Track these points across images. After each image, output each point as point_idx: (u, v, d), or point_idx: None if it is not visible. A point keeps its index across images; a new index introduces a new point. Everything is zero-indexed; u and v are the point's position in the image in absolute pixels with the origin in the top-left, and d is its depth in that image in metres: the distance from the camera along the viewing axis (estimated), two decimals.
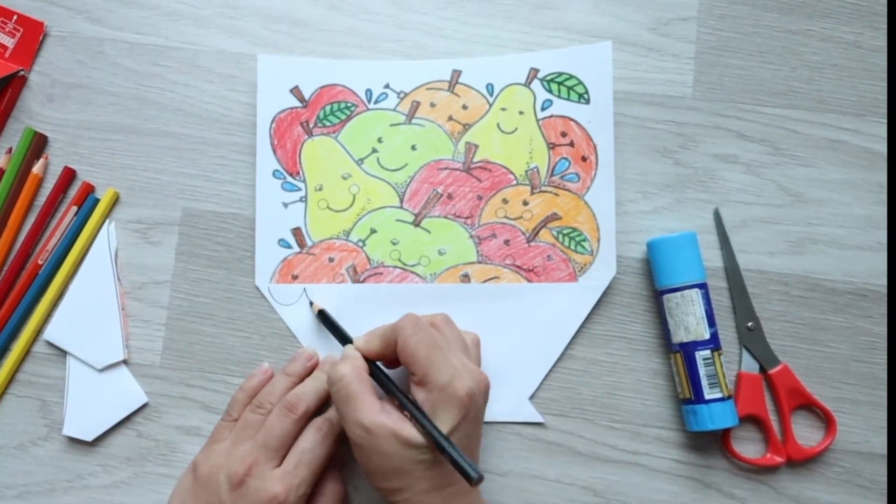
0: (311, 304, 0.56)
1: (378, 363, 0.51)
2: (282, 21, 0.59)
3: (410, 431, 0.46)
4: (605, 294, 0.57)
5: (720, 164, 0.58)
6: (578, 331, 0.57)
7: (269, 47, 0.59)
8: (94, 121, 0.59)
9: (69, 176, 0.58)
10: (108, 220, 0.58)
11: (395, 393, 0.49)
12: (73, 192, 0.58)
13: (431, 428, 0.46)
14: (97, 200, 0.58)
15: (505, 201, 0.57)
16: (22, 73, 0.59)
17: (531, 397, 0.56)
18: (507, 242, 0.57)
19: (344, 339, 0.54)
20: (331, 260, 0.57)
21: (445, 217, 0.57)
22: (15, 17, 0.59)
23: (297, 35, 0.59)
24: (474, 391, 0.47)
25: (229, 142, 0.58)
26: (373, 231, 0.57)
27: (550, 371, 0.56)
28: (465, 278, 0.57)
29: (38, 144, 0.58)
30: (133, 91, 0.59)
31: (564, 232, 0.57)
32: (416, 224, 0.57)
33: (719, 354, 0.53)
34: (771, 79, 0.59)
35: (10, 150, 0.58)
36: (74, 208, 0.58)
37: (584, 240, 0.57)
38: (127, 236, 0.58)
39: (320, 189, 0.58)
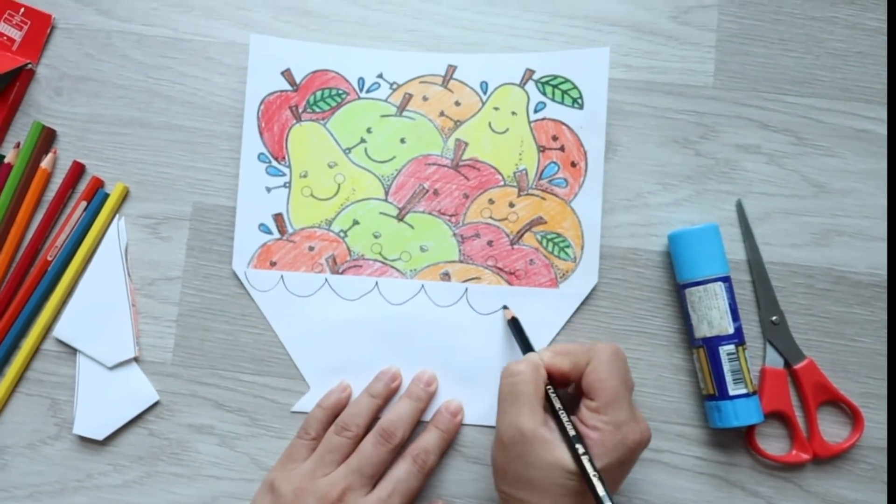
0: (505, 307, 0.55)
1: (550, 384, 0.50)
2: (292, 11, 0.58)
3: (565, 454, 0.45)
4: (624, 289, 0.56)
5: (742, 155, 0.57)
6: (598, 326, 0.56)
7: (279, 36, 0.58)
8: (103, 114, 0.58)
9: (78, 171, 0.57)
10: (117, 216, 0.57)
11: (564, 414, 0.47)
12: (83, 186, 0.57)
13: (588, 461, 0.45)
14: (106, 195, 0.57)
15: (491, 201, 0.56)
16: (30, 66, 0.58)
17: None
18: (490, 243, 0.56)
19: (529, 348, 0.52)
20: (311, 249, 0.56)
21: (430, 213, 0.56)
22: (22, 10, 0.58)
23: (308, 25, 0.58)
24: (640, 444, 0.47)
25: (240, 135, 0.57)
26: (355, 222, 0.56)
27: None
28: (446, 276, 0.56)
29: (46, 139, 0.58)
30: (142, 84, 0.58)
31: (549, 237, 0.56)
32: (400, 218, 0.56)
33: (744, 349, 0.52)
34: (794, 67, 0.57)
35: (18, 145, 0.57)
36: (84, 203, 0.57)
37: (567, 246, 0.56)
38: (137, 231, 0.57)
39: (305, 176, 0.57)
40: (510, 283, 0.56)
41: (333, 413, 0.54)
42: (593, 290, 0.56)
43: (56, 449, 0.56)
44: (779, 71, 0.57)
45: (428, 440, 0.52)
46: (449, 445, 0.54)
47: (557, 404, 0.48)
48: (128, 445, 0.56)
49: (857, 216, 0.56)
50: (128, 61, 0.58)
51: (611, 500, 0.43)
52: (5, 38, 0.58)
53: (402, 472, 0.51)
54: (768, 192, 0.56)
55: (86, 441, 0.56)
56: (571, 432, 0.46)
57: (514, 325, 0.54)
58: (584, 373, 0.48)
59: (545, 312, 0.55)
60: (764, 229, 0.56)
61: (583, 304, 0.56)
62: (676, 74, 0.57)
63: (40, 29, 0.58)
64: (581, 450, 0.45)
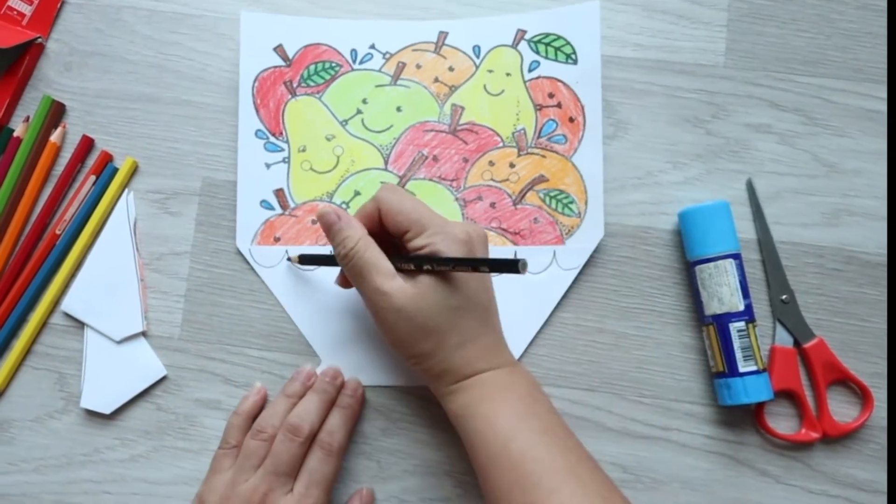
0: (289, 258, 0.55)
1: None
2: None
3: (427, 282, 0.46)
4: (634, 267, 0.56)
5: (753, 134, 0.56)
6: (606, 304, 0.55)
7: (291, 14, 0.58)
8: (113, 89, 0.58)
9: (87, 145, 0.57)
10: (126, 190, 0.57)
11: (402, 257, 0.47)
12: (92, 161, 0.57)
13: (448, 260, 0.45)
14: (116, 170, 0.57)
15: (491, 164, 0.56)
16: (39, 40, 0.58)
17: (520, 358, 0.55)
18: (493, 205, 0.56)
19: (334, 260, 0.52)
20: (314, 222, 0.56)
21: (430, 180, 0.56)
22: None
23: (318, 2, 0.58)
24: (471, 234, 0.47)
25: None
26: (357, 193, 0.56)
27: (580, 345, 0.55)
28: None
29: (55, 113, 0.57)
30: (152, 59, 0.58)
31: (551, 194, 0.56)
32: (401, 187, 0.56)
33: (754, 327, 0.52)
34: (805, 47, 0.57)
35: (27, 119, 0.57)
36: (93, 178, 0.57)
37: (571, 202, 0.56)
38: (146, 206, 0.57)
39: (304, 150, 0.56)
40: (515, 244, 0.56)
41: (251, 418, 0.53)
42: (602, 267, 0.56)
43: (63, 423, 0.56)
44: (790, 51, 0.57)
45: (331, 423, 0.52)
46: (355, 421, 0.54)
47: (395, 259, 0.48)
48: (135, 420, 0.56)
49: (868, 196, 0.56)
50: (137, 36, 0.58)
51: (493, 258, 0.43)
52: (15, 12, 0.58)
53: (314, 462, 0.50)
54: (779, 171, 0.56)
55: (93, 415, 0.56)
56: (409, 258, 0.46)
57: (309, 259, 0.54)
58: (381, 220, 0.48)
59: (553, 269, 0.55)
60: (774, 209, 0.56)
61: (592, 281, 0.56)
62: (687, 53, 0.57)
63: (50, 3, 0.58)
64: (429, 259, 0.45)
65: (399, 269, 0.47)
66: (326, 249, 0.56)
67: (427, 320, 0.46)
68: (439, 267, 0.46)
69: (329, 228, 0.49)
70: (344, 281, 0.53)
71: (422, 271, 0.46)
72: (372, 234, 0.49)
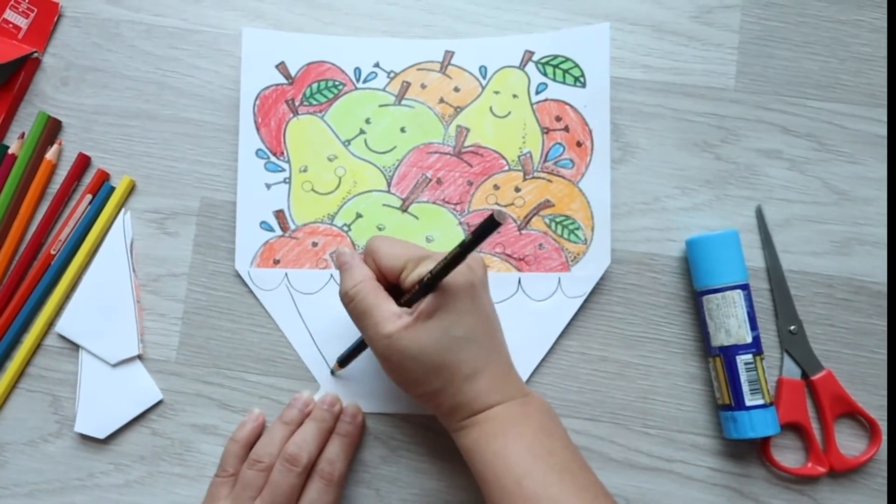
0: (333, 372, 0.55)
1: None
2: (306, 3, 0.57)
3: (430, 322, 0.45)
4: (639, 294, 0.55)
5: (763, 160, 0.55)
6: (611, 332, 0.54)
7: (292, 31, 0.56)
8: (110, 106, 0.57)
9: (84, 163, 0.56)
10: (123, 210, 0.56)
11: (407, 291, 0.46)
12: (88, 179, 0.56)
13: (437, 269, 0.44)
14: (112, 189, 0.56)
15: (496, 187, 0.55)
16: (35, 54, 0.57)
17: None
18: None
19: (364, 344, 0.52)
20: (314, 245, 0.55)
21: (434, 203, 0.55)
22: None
23: (322, 18, 0.57)
24: (472, 270, 0.46)
25: None
26: (358, 216, 0.55)
27: (584, 374, 0.54)
28: None
29: (51, 129, 0.56)
30: (151, 75, 0.57)
31: (557, 220, 0.55)
32: (404, 209, 0.55)
33: (761, 359, 0.51)
34: (818, 71, 0.56)
35: (22, 136, 0.56)
36: (89, 196, 0.56)
37: (577, 228, 0.55)
38: (143, 226, 0.56)
39: (305, 170, 0.55)
40: (520, 270, 0.55)
41: (248, 445, 0.52)
42: (608, 294, 0.55)
43: (57, 447, 0.55)
44: (802, 74, 0.56)
45: (330, 451, 0.51)
46: (355, 448, 0.53)
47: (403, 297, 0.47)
48: (130, 444, 0.55)
49: (879, 225, 0.55)
50: (136, 52, 0.57)
51: (473, 231, 0.41)
52: (11, 25, 0.57)
53: (313, 492, 0.50)
54: (789, 198, 0.55)
55: (87, 439, 0.55)
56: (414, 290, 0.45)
57: (345, 360, 0.53)
58: (377, 269, 0.48)
59: (558, 297, 0.54)
60: (784, 236, 0.55)
61: (597, 308, 0.55)
62: (697, 76, 0.56)
63: (47, 17, 0.57)
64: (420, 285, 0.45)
65: (400, 306, 0.46)
66: (326, 274, 0.55)
67: (433, 357, 0.45)
68: (432, 281, 0.44)
69: (340, 268, 0.48)
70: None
71: (421, 297, 0.45)
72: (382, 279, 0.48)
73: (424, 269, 0.46)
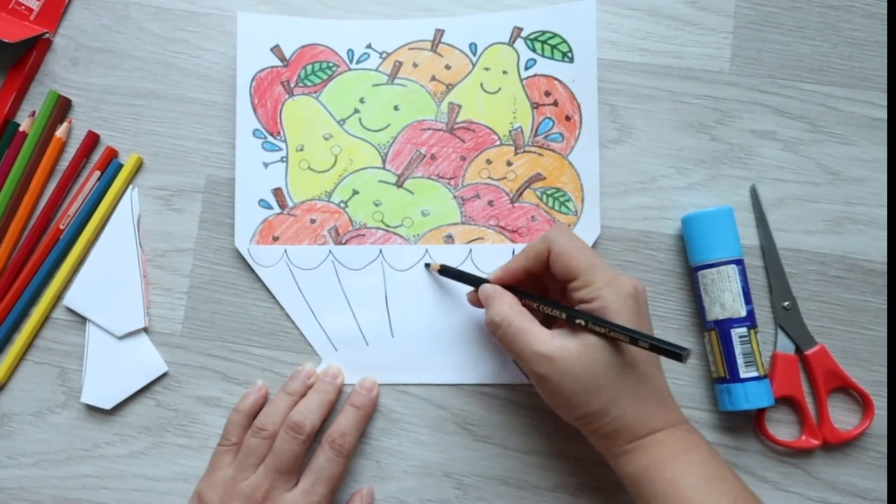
0: (428, 265, 0.55)
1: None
2: None
3: (591, 342, 0.45)
4: (636, 271, 0.56)
5: (757, 141, 0.56)
6: None
7: (297, 14, 0.58)
8: (119, 85, 0.58)
9: (92, 140, 0.57)
10: (130, 186, 0.57)
11: (559, 307, 0.47)
12: (97, 156, 0.57)
13: (612, 325, 0.44)
14: (120, 166, 0.57)
15: (489, 162, 0.56)
16: (47, 35, 0.58)
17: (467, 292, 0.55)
18: (490, 203, 0.56)
19: (478, 281, 0.52)
20: (312, 221, 0.56)
21: (429, 178, 0.56)
22: None
23: (326, 2, 0.58)
24: (638, 287, 0.47)
25: None
26: (355, 192, 0.56)
27: None
28: (449, 239, 0.56)
29: (61, 108, 0.58)
30: (159, 56, 0.58)
31: (548, 192, 0.56)
32: (399, 185, 0.56)
33: (755, 332, 0.52)
34: (811, 55, 0.57)
35: (33, 114, 0.57)
36: (97, 173, 0.57)
37: (567, 200, 0.56)
38: (150, 203, 0.57)
39: (301, 149, 0.57)
40: (513, 241, 0.56)
41: (251, 415, 0.53)
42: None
43: (63, 417, 0.56)
44: (795, 58, 0.57)
45: (343, 422, 0.52)
46: (367, 422, 0.54)
47: (548, 308, 0.47)
48: (135, 416, 0.56)
49: (871, 204, 0.56)
50: (144, 33, 0.59)
51: (660, 339, 0.43)
52: (23, 7, 0.59)
53: (322, 460, 0.50)
54: (783, 178, 0.56)
55: (93, 410, 0.56)
56: (573, 312, 0.46)
57: (449, 272, 0.54)
58: (549, 261, 0.48)
59: None
60: (778, 215, 0.56)
61: None
62: (693, 59, 0.57)
63: None
64: (592, 317, 0.45)
65: (547, 318, 0.47)
66: (324, 250, 0.56)
67: (595, 378, 0.44)
68: (598, 327, 0.45)
69: (485, 302, 0.49)
70: (475, 300, 0.52)
71: (581, 328, 0.45)
72: (535, 274, 0.49)
73: (595, 295, 0.46)
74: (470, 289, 0.53)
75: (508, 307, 0.47)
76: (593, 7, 0.56)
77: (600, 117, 0.57)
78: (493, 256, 0.55)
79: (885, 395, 0.54)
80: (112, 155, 0.57)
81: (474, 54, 0.57)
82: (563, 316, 0.47)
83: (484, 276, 0.53)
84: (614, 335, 0.44)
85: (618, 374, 0.45)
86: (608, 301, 0.45)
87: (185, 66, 0.58)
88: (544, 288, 0.52)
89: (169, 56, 0.58)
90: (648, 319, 0.47)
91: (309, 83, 0.57)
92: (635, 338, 0.44)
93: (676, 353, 0.42)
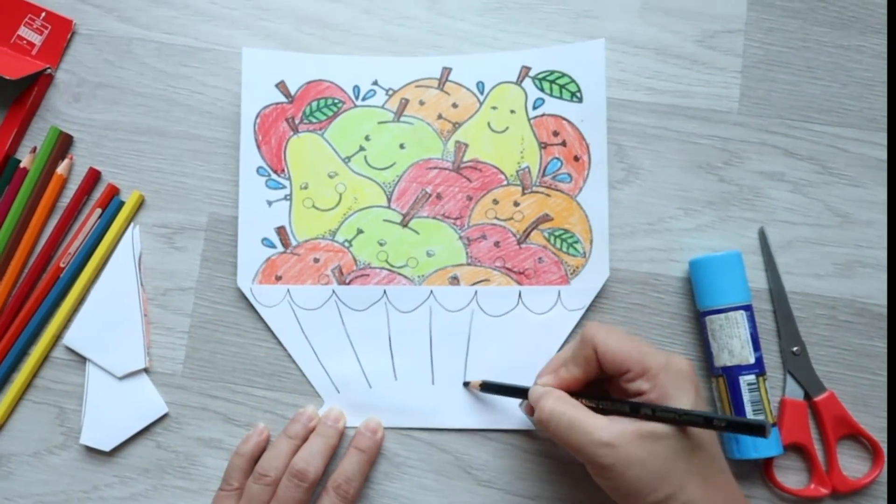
0: (467, 384, 0.54)
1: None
2: (315, 23, 0.58)
3: (654, 425, 0.44)
4: (643, 314, 0.55)
5: (766, 182, 0.56)
6: None
7: (301, 50, 0.57)
8: (121, 121, 0.58)
9: (94, 177, 0.57)
10: (132, 224, 0.57)
11: (621, 402, 0.46)
12: (98, 193, 0.57)
13: (681, 411, 0.43)
14: (122, 203, 0.56)
15: (495, 202, 0.56)
16: (49, 71, 0.58)
17: (521, 403, 0.54)
18: (497, 244, 0.55)
19: (521, 392, 0.51)
20: (316, 260, 0.55)
21: (434, 218, 0.56)
22: (43, 14, 0.58)
23: (330, 38, 0.58)
24: (689, 366, 0.46)
25: None
26: (359, 231, 0.56)
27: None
28: (455, 280, 0.55)
29: (63, 144, 0.57)
30: (161, 92, 0.58)
31: (556, 234, 0.55)
32: (404, 224, 0.56)
33: (764, 380, 0.51)
34: (820, 95, 0.57)
35: (34, 150, 0.57)
36: (98, 210, 0.56)
37: (576, 241, 0.55)
38: (151, 241, 0.57)
39: (306, 187, 0.56)
40: (520, 283, 0.55)
41: (252, 458, 0.52)
42: (611, 313, 0.55)
43: (62, 458, 0.55)
44: (805, 99, 0.57)
45: (348, 467, 0.51)
46: (371, 466, 0.53)
47: (609, 404, 0.46)
48: (135, 457, 0.55)
49: (881, 247, 0.55)
50: (147, 69, 0.58)
51: (736, 417, 0.42)
52: (25, 42, 0.58)
53: None
54: (792, 220, 0.55)
55: (92, 451, 0.55)
56: (632, 404, 0.45)
57: (491, 388, 0.53)
58: (598, 362, 0.47)
59: (557, 310, 0.55)
60: (786, 258, 0.55)
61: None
62: (701, 99, 0.57)
63: (61, 34, 0.58)
64: (652, 407, 0.44)
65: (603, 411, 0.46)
66: (328, 289, 0.55)
67: (663, 463, 0.43)
68: (667, 415, 0.44)
69: (535, 403, 0.48)
70: (530, 409, 0.51)
71: (644, 417, 0.44)
72: (588, 380, 0.48)
73: (652, 385, 0.45)
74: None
75: (555, 400, 0.46)
76: (602, 47, 0.56)
77: (607, 157, 0.56)
78: (498, 299, 0.55)
79: (888, 440, 0.53)
80: (113, 192, 0.57)
81: (482, 93, 0.56)
82: (627, 409, 0.45)
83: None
84: (686, 421, 0.43)
85: (684, 458, 0.43)
86: (668, 388, 0.45)
87: (187, 103, 0.58)
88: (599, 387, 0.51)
89: (172, 92, 0.58)
90: (698, 388, 0.46)
91: (314, 120, 0.56)
92: (710, 419, 0.43)
93: (759, 428, 0.41)
